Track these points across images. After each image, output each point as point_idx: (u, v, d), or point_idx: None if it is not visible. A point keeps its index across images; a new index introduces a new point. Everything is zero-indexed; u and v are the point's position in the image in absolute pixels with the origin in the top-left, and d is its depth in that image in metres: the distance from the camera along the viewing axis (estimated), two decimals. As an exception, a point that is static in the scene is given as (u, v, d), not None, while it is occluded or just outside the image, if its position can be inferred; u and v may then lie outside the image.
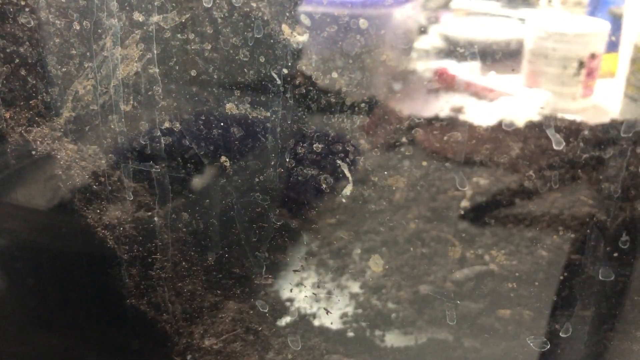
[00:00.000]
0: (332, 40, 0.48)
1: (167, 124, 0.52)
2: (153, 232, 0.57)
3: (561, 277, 0.55)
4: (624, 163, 0.46)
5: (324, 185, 0.52)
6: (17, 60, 0.53)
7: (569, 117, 0.58)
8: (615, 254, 0.49)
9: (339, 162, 0.51)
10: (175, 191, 0.56)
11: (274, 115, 0.50)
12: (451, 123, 0.55)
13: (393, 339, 0.61)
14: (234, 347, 0.60)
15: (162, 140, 0.53)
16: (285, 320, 0.64)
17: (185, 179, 0.55)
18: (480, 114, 0.59)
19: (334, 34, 0.47)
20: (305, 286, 0.64)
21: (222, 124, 0.52)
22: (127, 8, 0.49)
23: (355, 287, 0.65)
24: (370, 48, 0.48)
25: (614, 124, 0.52)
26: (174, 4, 0.49)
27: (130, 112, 0.53)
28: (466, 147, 0.54)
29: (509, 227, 0.62)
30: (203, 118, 0.52)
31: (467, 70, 0.58)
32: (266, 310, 0.61)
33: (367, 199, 0.55)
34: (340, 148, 0.51)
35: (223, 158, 0.53)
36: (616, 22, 0.61)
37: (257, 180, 0.53)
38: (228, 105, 0.51)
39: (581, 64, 0.60)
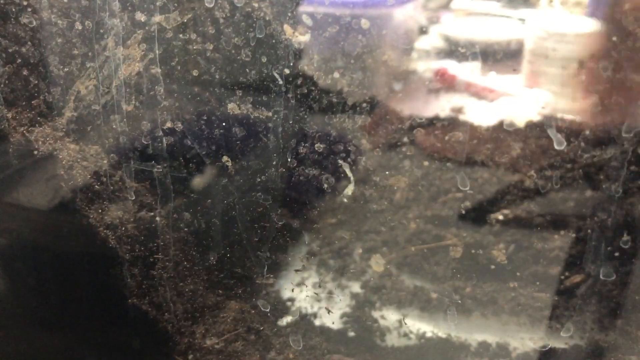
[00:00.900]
0: (334, 40, 0.48)
1: (169, 124, 0.53)
2: (155, 232, 0.57)
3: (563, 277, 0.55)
4: (625, 163, 0.46)
5: (326, 185, 0.52)
6: (19, 60, 0.53)
7: (570, 117, 0.58)
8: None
9: (340, 162, 0.51)
10: (177, 191, 0.56)
11: (275, 115, 0.50)
12: (452, 123, 0.55)
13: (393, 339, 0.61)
14: (235, 347, 0.60)
15: (164, 140, 0.53)
16: (286, 319, 0.64)
17: (187, 178, 0.55)
18: (480, 114, 0.59)
19: (336, 34, 0.48)
20: (306, 286, 0.64)
21: (224, 124, 0.52)
22: (129, 8, 0.49)
23: (356, 287, 0.65)
24: (372, 48, 0.48)
25: (615, 124, 0.52)
26: (175, 4, 0.49)
27: (132, 112, 0.53)
28: (467, 147, 0.54)
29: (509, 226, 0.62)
30: (205, 118, 0.52)
31: (468, 71, 0.58)
32: (267, 310, 0.61)
33: (369, 199, 0.55)
34: (342, 148, 0.51)
35: (225, 158, 0.53)
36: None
37: (258, 180, 0.53)
38: (230, 105, 0.51)
39: (581, 64, 0.61)
